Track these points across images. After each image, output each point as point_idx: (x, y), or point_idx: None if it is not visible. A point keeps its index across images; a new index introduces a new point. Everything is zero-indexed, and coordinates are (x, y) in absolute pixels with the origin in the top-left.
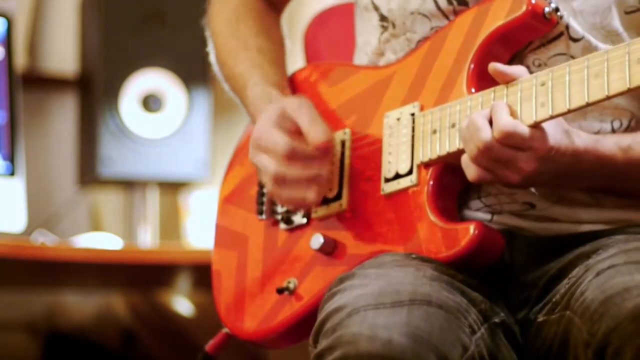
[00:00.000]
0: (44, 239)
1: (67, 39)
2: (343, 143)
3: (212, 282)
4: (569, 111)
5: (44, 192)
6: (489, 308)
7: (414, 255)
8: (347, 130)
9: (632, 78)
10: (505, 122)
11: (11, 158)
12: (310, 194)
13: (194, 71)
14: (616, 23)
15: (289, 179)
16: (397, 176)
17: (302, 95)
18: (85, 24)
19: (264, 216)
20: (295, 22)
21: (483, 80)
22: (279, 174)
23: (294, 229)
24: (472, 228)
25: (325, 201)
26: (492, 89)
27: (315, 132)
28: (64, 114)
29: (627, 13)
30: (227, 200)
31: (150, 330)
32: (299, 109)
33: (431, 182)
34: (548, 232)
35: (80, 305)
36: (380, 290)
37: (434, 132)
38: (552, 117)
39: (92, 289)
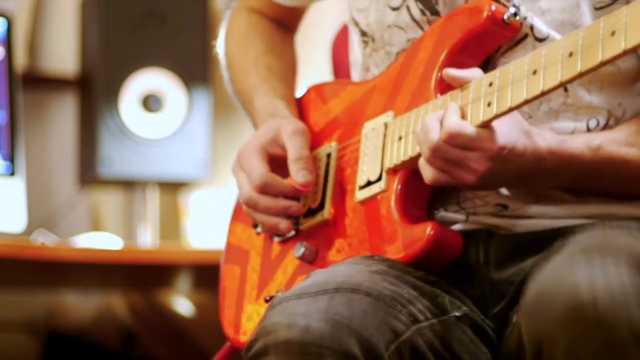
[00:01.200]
0: (44, 239)
1: (67, 39)
2: (329, 155)
3: (218, 298)
4: (511, 109)
5: (44, 192)
6: (447, 302)
7: (376, 257)
8: (334, 143)
9: (563, 72)
10: (451, 122)
11: (11, 158)
12: (282, 224)
13: (194, 71)
14: (586, 19)
15: (260, 207)
16: (369, 183)
17: (300, 120)
18: (85, 24)
19: (259, 229)
20: (322, 33)
21: (450, 87)
22: (251, 200)
23: (285, 240)
24: (428, 229)
25: (310, 212)
26: (449, 92)
27: (296, 171)
28: (64, 114)
29: (597, 9)
30: (235, 218)
31: (150, 330)
32: (292, 138)
33: (398, 187)
34: (524, 228)
35: (80, 305)
36: (312, 282)
37: (400, 138)
38: (497, 116)
39: (92, 289)
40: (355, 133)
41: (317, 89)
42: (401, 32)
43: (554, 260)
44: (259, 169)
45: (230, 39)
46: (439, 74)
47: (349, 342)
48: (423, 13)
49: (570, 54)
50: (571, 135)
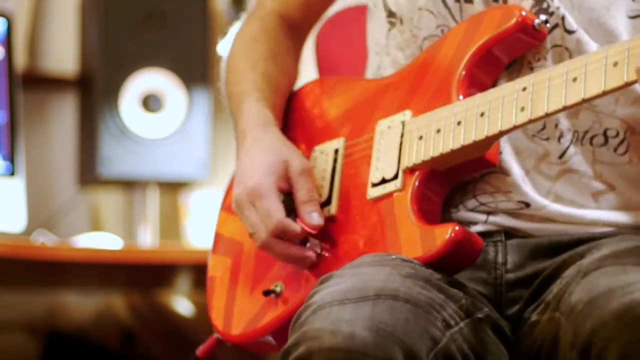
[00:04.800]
0: (44, 239)
1: (67, 39)
2: (336, 151)
3: (206, 288)
4: (548, 115)
5: (44, 192)
6: (470, 304)
7: (393, 256)
8: (342, 139)
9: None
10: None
11: (11, 158)
12: (297, 266)
13: (194, 71)
14: (614, 23)
15: (275, 252)
16: (383, 181)
17: (286, 134)
18: (85, 24)
19: None
20: None
21: (472, 88)
22: (267, 245)
23: None
24: (449, 230)
25: None
26: (476, 95)
27: (308, 213)
28: (64, 114)
29: (631, 17)
30: (226, 209)
31: (150, 330)
32: (301, 177)
33: (415, 187)
34: (543, 232)
35: (80, 305)
36: (350, 287)
37: (420, 137)
38: (531, 121)
39: (92, 289)
40: (366, 130)
41: (325, 83)
42: (431, 17)
43: (596, 265)
44: (277, 215)
45: (237, 41)
46: (463, 74)
47: (393, 350)
48: (457, 0)
49: (615, 64)
50: None
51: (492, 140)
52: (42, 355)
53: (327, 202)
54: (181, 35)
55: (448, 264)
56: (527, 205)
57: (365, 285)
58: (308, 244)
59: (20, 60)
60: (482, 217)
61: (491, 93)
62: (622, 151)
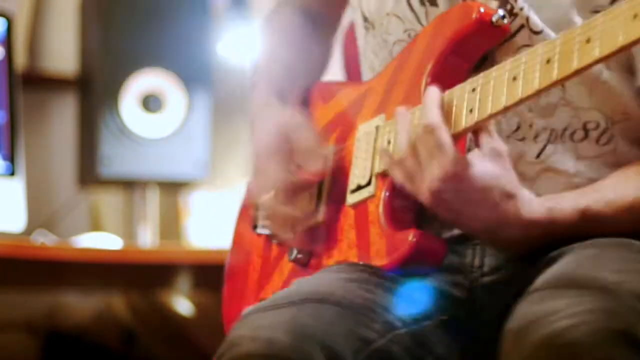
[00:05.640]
0: (44, 239)
1: (67, 39)
2: (326, 157)
3: (223, 297)
4: (491, 116)
5: (44, 192)
6: (433, 306)
7: (361, 264)
8: (331, 147)
9: (541, 79)
10: (431, 116)
11: (11, 158)
12: (290, 236)
13: (194, 71)
14: (579, 20)
15: (279, 217)
16: (359, 187)
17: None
18: (85, 24)
19: (258, 230)
20: None
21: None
22: (273, 215)
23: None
24: (410, 235)
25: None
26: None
27: (305, 161)
28: (64, 114)
29: (594, 12)
30: (241, 218)
31: (150, 330)
32: (297, 131)
33: (386, 192)
34: None
35: (80, 305)
36: (283, 294)
37: (389, 142)
38: (478, 123)
39: (92, 289)
40: (350, 135)
41: (320, 89)
42: (399, 22)
43: (535, 286)
44: (278, 174)
45: (268, 33)
46: (429, 79)
47: (313, 351)
48: (422, 3)
49: (548, 61)
50: (557, 201)
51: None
52: (42, 355)
53: (314, 210)
54: (181, 35)
55: (413, 268)
56: None
57: (296, 291)
58: (295, 252)
59: (20, 60)
60: None
61: (447, 95)
62: (605, 141)
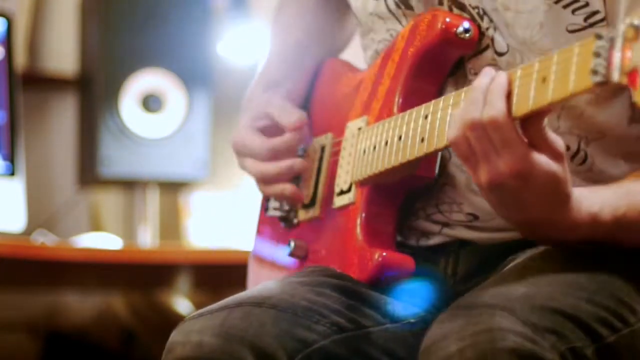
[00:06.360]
0: (44, 239)
1: (67, 39)
2: (323, 148)
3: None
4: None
5: (44, 192)
6: (400, 309)
7: (336, 269)
8: (329, 135)
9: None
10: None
11: (11, 158)
12: (287, 187)
13: (194, 71)
14: (547, 41)
15: (270, 176)
16: (342, 192)
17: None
18: (85, 24)
19: (269, 212)
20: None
21: (412, 100)
22: (261, 175)
23: (290, 229)
24: (376, 255)
25: (305, 206)
26: (398, 116)
27: (286, 117)
28: (64, 114)
29: (570, 32)
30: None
31: (150, 330)
32: (268, 105)
33: (364, 203)
34: (492, 241)
35: (80, 305)
36: (226, 300)
37: (364, 152)
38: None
39: (92, 289)
40: (342, 130)
41: (331, 68)
42: (381, 22)
43: (443, 311)
44: (258, 143)
45: (282, 12)
46: (401, 88)
47: (242, 352)
48: (398, 6)
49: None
50: (603, 202)
51: (414, 162)
52: (42, 355)
53: (312, 203)
54: (181, 35)
55: (382, 284)
56: (476, 217)
57: (237, 297)
58: (292, 243)
59: (20, 60)
60: (437, 227)
61: (407, 115)
62: (580, 162)
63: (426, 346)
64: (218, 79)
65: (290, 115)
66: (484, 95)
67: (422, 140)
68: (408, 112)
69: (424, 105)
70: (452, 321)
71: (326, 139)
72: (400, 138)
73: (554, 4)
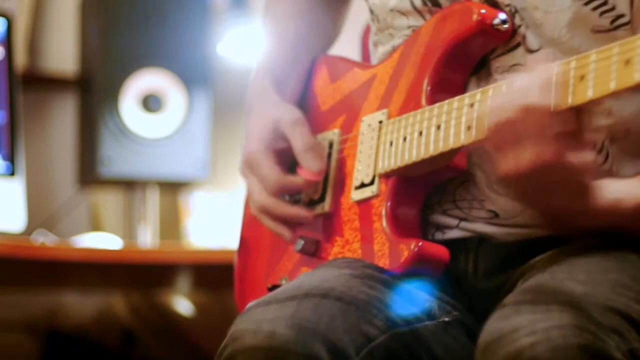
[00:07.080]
0: (44, 239)
1: (67, 39)
2: (331, 143)
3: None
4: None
5: (44, 192)
6: (436, 307)
7: (367, 262)
8: (337, 131)
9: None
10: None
11: (11, 158)
12: (287, 234)
13: (194, 71)
14: (578, 41)
15: (273, 214)
16: (362, 185)
17: (297, 108)
18: (85, 24)
19: None
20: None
21: (440, 92)
22: (266, 208)
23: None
24: (412, 245)
25: (312, 202)
26: (435, 105)
27: (307, 160)
28: (64, 114)
29: (595, 32)
30: (247, 208)
31: (150, 330)
32: (294, 129)
33: (390, 194)
34: (513, 237)
35: (80, 305)
36: (285, 288)
37: (391, 144)
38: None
39: (92, 289)
40: (354, 125)
41: (328, 64)
42: (402, 18)
43: (505, 301)
44: (273, 175)
45: (274, 5)
46: (429, 79)
47: (315, 346)
48: (424, 3)
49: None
50: (628, 188)
51: (451, 153)
52: (42, 355)
53: (321, 199)
54: (181, 35)
55: (415, 275)
56: (496, 215)
57: (299, 286)
58: (301, 241)
59: (20, 60)
60: (454, 221)
61: (447, 104)
62: (601, 160)
63: (493, 339)
64: (218, 79)
65: (313, 162)
66: (540, 81)
67: (469, 128)
68: (447, 101)
69: (467, 95)
70: (519, 315)
71: (333, 135)
72: (439, 127)
73: (583, 6)
